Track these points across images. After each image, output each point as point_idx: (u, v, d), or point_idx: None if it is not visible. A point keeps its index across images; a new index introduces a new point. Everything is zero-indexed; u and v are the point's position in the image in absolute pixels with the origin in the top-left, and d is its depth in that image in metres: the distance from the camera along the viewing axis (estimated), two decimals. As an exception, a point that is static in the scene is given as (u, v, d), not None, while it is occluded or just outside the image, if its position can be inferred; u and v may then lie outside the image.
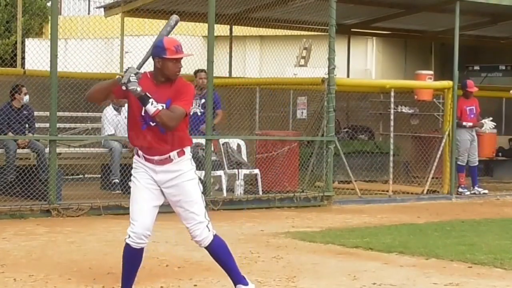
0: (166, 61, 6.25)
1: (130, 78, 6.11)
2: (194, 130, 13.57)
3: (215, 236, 6.54)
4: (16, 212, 11.67)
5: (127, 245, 6.42)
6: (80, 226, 11.08)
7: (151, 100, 6.14)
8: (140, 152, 6.40)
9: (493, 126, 17.43)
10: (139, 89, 6.11)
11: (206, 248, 6.54)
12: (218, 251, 6.56)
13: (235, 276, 6.61)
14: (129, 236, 6.38)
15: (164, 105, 6.22)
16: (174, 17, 6.58)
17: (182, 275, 7.79)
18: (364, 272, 8.20)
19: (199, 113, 14.04)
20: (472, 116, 16.61)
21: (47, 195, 11.94)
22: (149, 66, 6.39)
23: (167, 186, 6.39)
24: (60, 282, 7.46)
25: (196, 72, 14.39)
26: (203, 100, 13.90)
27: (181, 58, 6.31)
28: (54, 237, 10.12)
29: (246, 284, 6.62)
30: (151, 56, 6.32)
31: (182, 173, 6.39)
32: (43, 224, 11.17)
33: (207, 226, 6.49)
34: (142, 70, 6.28)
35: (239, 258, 8.64)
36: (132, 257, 6.46)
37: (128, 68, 6.22)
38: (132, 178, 6.45)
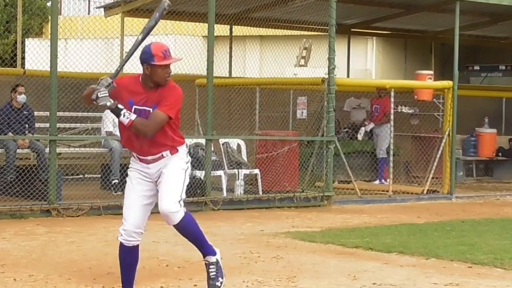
0: (155, 67, 6.19)
1: (99, 94, 6.11)
2: None
3: (186, 213, 6.39)
4: (16, 212, 11.68)
5: (120, 244, 6.46)
6: (80, 226, 11.08)
7: (123, 111, 6.16)
8: (133, 153, 6.44)
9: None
10: (109, 103, 6.13)
11: (176, 226, 6.38)
12: (188, 226, 6.43)
13: (205, 249, 6.54)
14: (121, 234, 6.43)
15: (151, 109, 6.22)
16: (166, 1, 6.49)
17: (182, 275, 7.79)
18: (364, 272, 8.20)
19: None
20: (376, 114, 16.77)
21: (47, 195, 11.94)
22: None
23: (157, 176, 6.38)
24: (60, 282, 7.46)
25: None
26: None
27: (170, 64, 6.24)
28: (54, 237, 10.12)
29: (214, 253, 6.55)
30: (140, 61, 6.24)
31: (171, 162, 6.38)
32: (43, 224, 11.17)
33: (179, 202, 6.34)
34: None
35: (239, 258, 8.66)
36: (126, 256, 6.48)
37: (100, 80, 6.18)
38: (127, 177, 6.49)
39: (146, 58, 6.19)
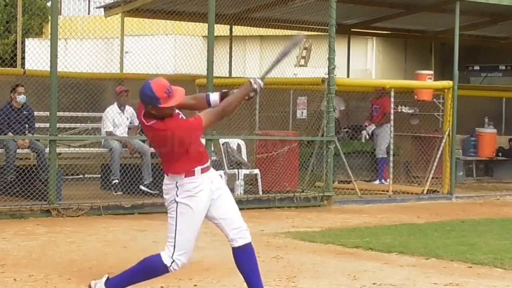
0: (161, 109, 5.89)
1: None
2: None
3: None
4: (16, 212, 11.68)
5: (165, 267, 6.18)
6: (80, 226, 11.08)
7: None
8: (196, 169, 6.03)
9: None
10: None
11: (239, 248, 6.22)
12: (253, 249, 6.28)
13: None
14: (174, 262, 6.15)
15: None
16: (299, 37, 6.56)
17: (182, 275, 7.78)
18: (364, 272, 8.20)
19: None
20: (375, 114, 16.80)
21: (47, 195, 11.94)
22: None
23: (219, 194, 6.19)
24: (60, 282, 7.46)
25: None
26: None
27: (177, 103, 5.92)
28: (54, 237, 10.12)
29: None
30: (143, 103, 5.96)
31: (219, 178, 6.32)
32: (43, 224, 11.18)
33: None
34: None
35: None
36: (153, 276, 6.32)
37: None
38: (186, 201, 6.05)
39: (151, 101, 5.86)
